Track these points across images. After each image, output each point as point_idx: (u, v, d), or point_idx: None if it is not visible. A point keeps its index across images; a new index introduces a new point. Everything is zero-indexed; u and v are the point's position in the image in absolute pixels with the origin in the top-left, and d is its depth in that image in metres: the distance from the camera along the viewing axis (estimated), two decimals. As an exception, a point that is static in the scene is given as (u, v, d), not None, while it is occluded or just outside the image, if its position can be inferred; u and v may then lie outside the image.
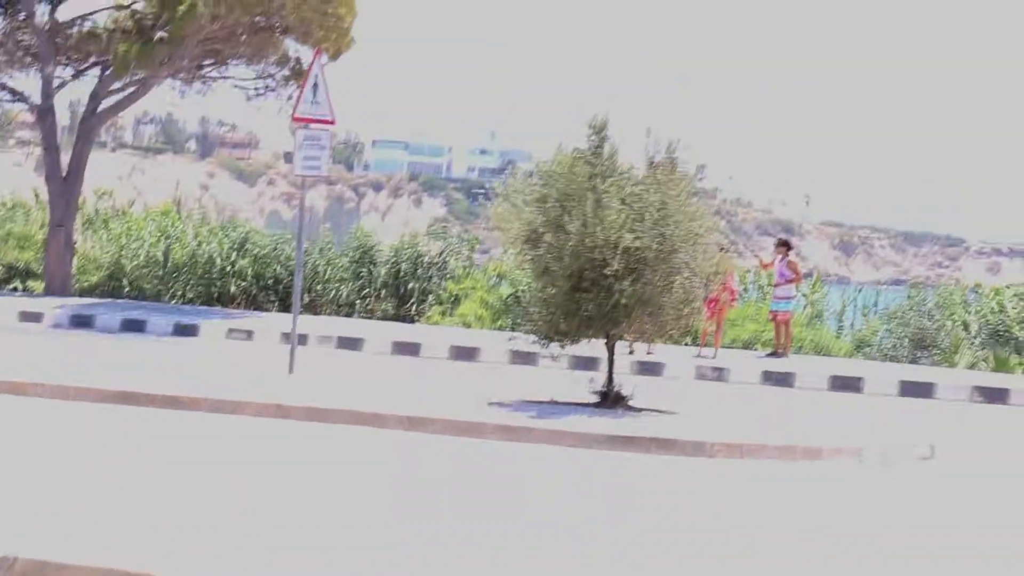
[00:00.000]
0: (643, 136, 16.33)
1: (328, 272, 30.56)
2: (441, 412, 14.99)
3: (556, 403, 16.22)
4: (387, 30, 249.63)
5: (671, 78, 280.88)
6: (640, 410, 16.00)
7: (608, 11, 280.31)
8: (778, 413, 17.84)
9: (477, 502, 10.86)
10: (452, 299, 29.86)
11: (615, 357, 16.66)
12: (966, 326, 27.99)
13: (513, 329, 17.61)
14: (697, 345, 25.14)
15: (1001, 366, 25.49)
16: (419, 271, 30.61)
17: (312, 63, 18.33)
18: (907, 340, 27.71)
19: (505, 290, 29.30)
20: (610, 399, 16.22)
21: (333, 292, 30.39)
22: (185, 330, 24.98)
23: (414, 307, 30.23)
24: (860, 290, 32.95)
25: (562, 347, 16.38)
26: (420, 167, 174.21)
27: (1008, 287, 30.52)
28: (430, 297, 30.40)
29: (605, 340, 16.36)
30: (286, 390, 16.25)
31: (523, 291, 26.05)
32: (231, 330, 25.06)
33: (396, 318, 29.95)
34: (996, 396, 21.52)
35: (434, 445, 13.79)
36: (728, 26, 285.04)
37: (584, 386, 16.43)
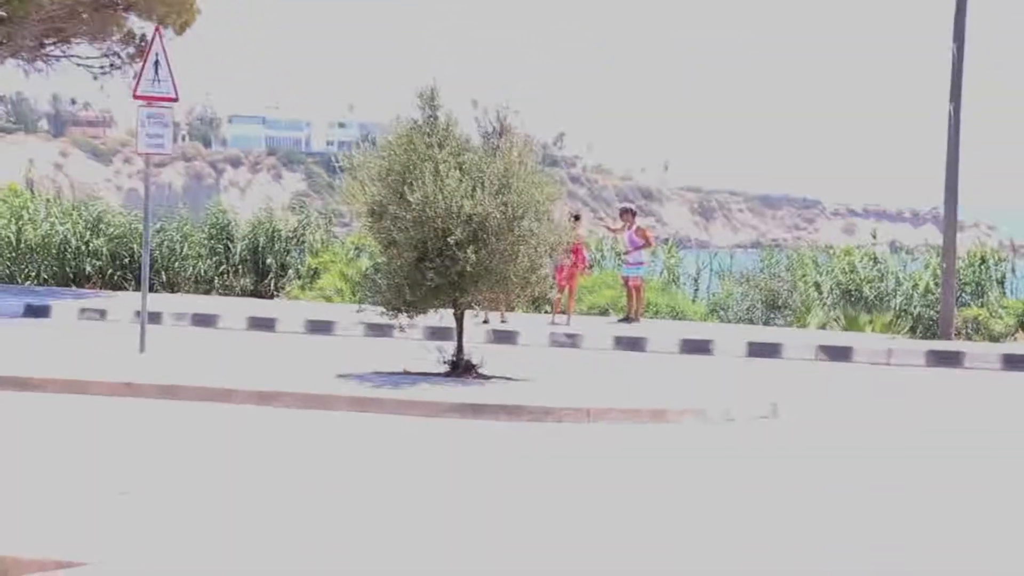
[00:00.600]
0: (471, 107, 16.48)
1: (185, 249, 30.35)
2: (292, 386, 15.07)
3: (408, 374, 16.34)
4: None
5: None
6: (490, 378, 16.20)
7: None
8: (628, 377, 18.16)
9: (318, 475, 10.99)
10: (311, 273, 29.81)
11: (465, 326, 16.82)
12: (818, 287, 28.60)
13: (361, 302, 17.66)
14: (551, 312, 25.41)
15: (851, 325, 26.08)
16: (277, 246, 30.50)
17: (152, 40, 18.19)
18: (760, 302, 28.27)
19: (365, 262, 29.29)
20: (460, 368, 16.39)
21: (191, 269, 30.18)
22: (36, 311, 24.71)
23: (273, 282, 30.14)
24: (716, 254, 33.43)
25: (410, 318, 16.51)
26: (279, 141, 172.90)
27: (859, 248, 31.20)
28: (289, 272, 30.34)
29: (453, 310, 16.51)
30: (137, 368, 16.20)
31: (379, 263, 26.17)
32: (83, 310, 24.83)
33: (255, 294, 29.84)
34: (840, 354, 22.08)
35: (283, 419, 13.88)
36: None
37: (436, 356, 16.57)
